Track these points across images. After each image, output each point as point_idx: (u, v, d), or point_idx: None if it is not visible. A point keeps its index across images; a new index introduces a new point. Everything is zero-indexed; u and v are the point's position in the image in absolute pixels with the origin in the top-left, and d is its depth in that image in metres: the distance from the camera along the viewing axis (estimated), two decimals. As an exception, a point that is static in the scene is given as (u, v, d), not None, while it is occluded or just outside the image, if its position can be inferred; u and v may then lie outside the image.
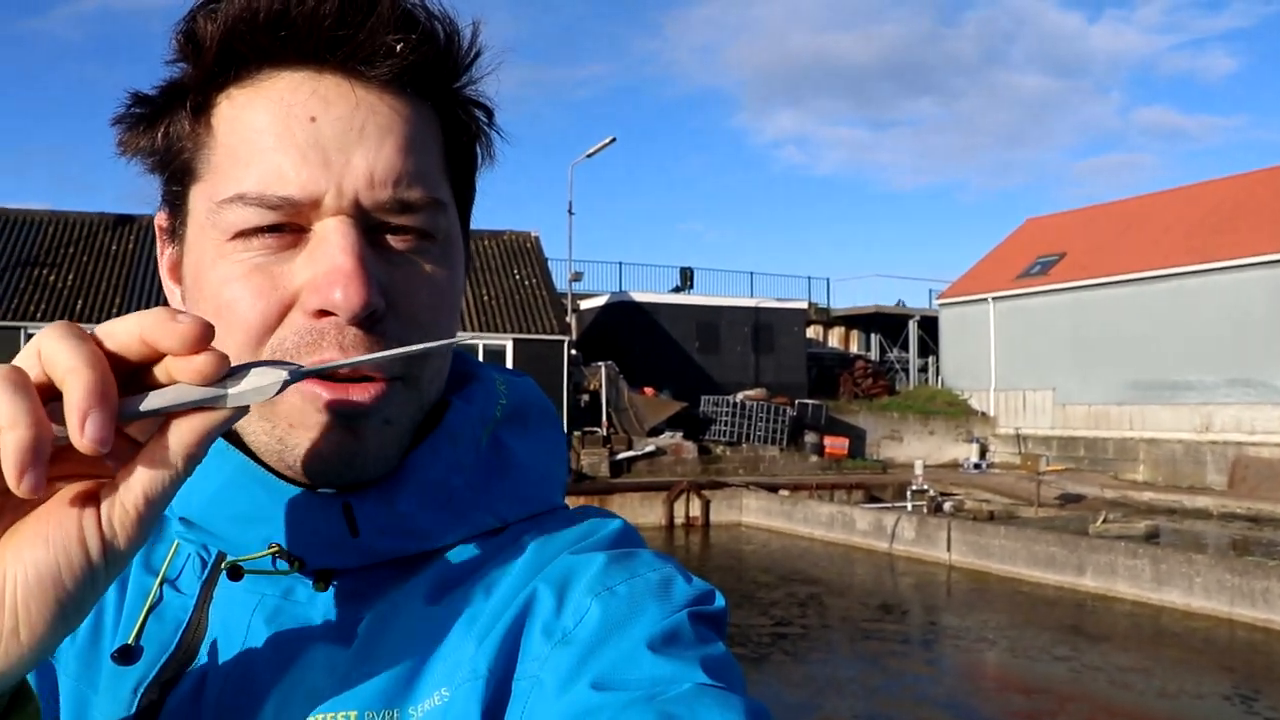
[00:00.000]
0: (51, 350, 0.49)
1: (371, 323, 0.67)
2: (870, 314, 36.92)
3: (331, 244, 0.66)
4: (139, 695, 0.69)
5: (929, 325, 35.98)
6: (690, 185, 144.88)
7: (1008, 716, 9.02)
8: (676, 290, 33.00)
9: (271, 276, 0.67)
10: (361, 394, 0.68)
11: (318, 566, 0.72)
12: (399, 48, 0.68)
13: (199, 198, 0.70)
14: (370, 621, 0.71)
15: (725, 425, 25.73)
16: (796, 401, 27.76)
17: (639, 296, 30.25)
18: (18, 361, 0.50)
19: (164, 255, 0.77)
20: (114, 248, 25.69)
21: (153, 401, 0.51)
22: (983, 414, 30.85)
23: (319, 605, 0.72)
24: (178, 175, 0.72)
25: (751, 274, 35.67)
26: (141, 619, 0.74)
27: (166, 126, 0.71)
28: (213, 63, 0.68)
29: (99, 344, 0.51)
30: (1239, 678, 10.02)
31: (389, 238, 0.69)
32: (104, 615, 0.76)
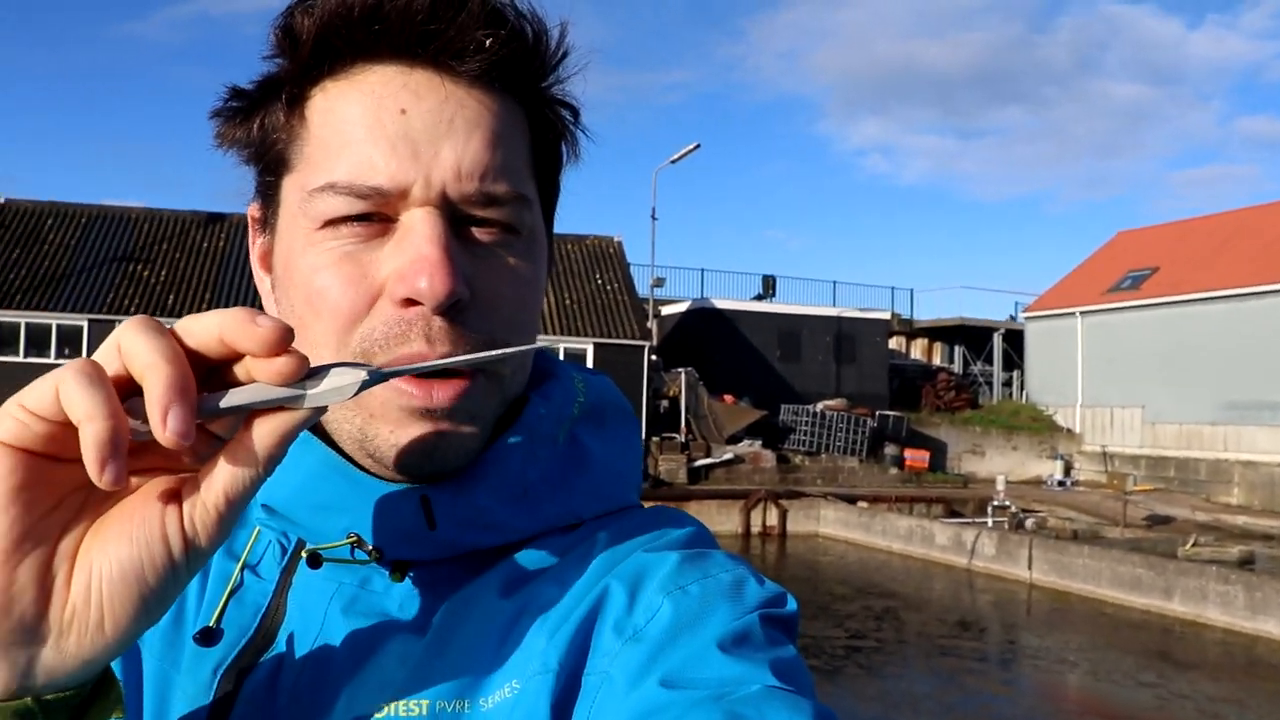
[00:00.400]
0: (131, 344, 0.50)
1: (455, 312, 0.68)
2: (954, 326, 36.45)
3: (418, 234, 0.67)
4: (218, 676, 0.71)
5: (1014, 339, 35.42)
6: (773, 192, 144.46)
7: (1089, 741, 8.83)
8: (758, 298, 32.97)
9: (360, 264, 0.69)
10: (445, 391, 0.69)
11: (395, 558, 0.73)
12: (488, 43, 0.69)
13: (291, 188, 0.72)
14: (444, 613, 0.72)
15: (805, 435, 25.60)
16: (877, 413, 27.57)
17: (720, 303, 30.29)
18: (97, 356, 0.51)
19: (255, 245, 0.79)
20: (205, 244, 26.49)
21: (233, 399, 0.52)
22: (1068, 430, 30.27)
23: (395, 596, 0.74)
24: (271, 166, 0.74)
25: (834, 283, 35.49)
26: (223, 603, 0.76)
27: (262, 118, 0.73)
28: (308, 56, 0.70)
29: (178, 340, 0.52)
30: (1337, 712, 9.69)
31: (474, 230, 0.70)
32: (186, 598, 0.78)
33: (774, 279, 33.86)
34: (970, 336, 36.76)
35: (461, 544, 0.73)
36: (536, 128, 0.76)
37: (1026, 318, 33.76)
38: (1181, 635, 12.57)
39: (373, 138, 0.68)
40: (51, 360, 23.44)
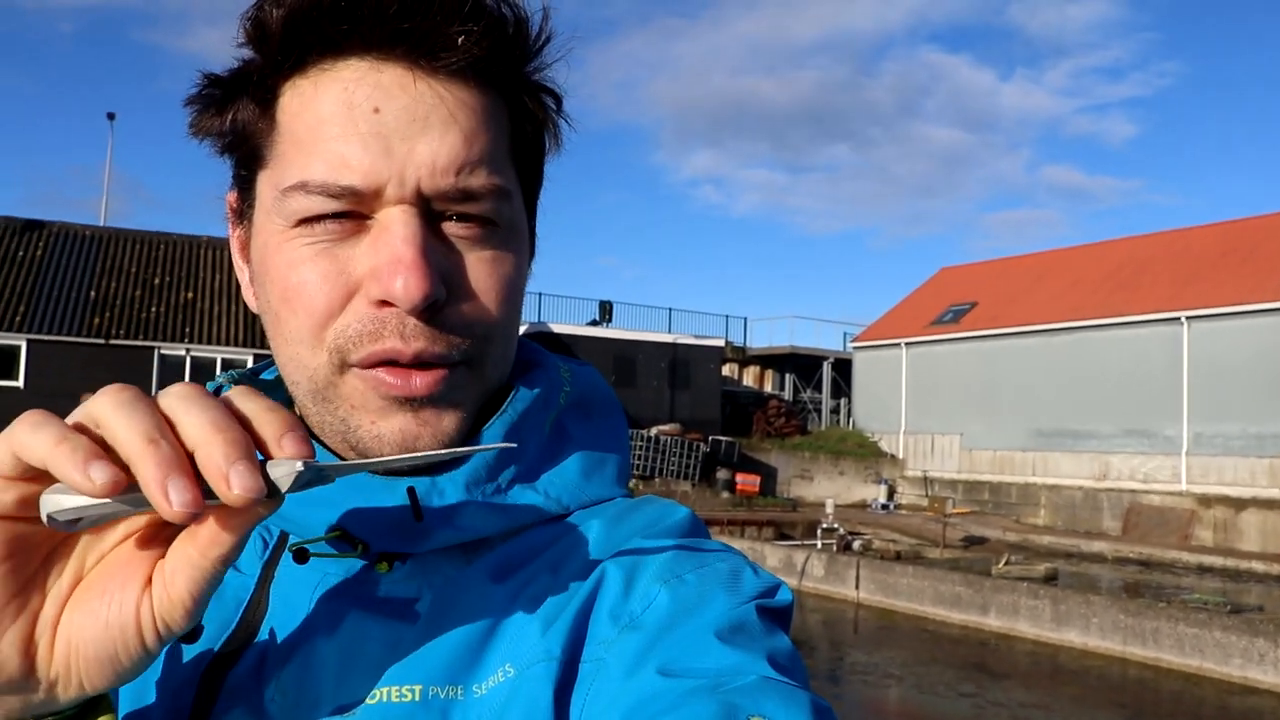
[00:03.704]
0: (110, 420, 0.50)
1: (432, 312, 0.67)
2: (785, 354, 37.40)
3: (393, 233, 0.66)
4: (200, 673, 0.70)
5: (842, 368, 36.60)
6: (608, 220, 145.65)
7: (913, 749, 9.20)
8: (595, 323, 33.10)
9: (337, 260, 0.67)
10: (424, 379, 0.68)
11: (382, 550, 0.71)
12: (461, 41, 0.67)
13: (265, 183, 0.71)
14: (433, 599, 0.71)
15: (639, 459, 25.81)
16: (710, 438, 27.99)
17: (558, 328, 30.30)
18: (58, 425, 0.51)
19: (234, 234, 0.78)
20: (21, 254, 24.94)
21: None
22: (891, 456, 31.43)
23: (381, 584, 0.72)
24: (245, 160, 0.73)
25: (670, 310, 35.93)
26: None
27: (235, 112, 0.71)
28: (278, 50, 0.68)
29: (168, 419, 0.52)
30: (1130, 713, 10.39)
31: (452, 225, 0.69)
32: None
33: (611, 305, 34.04)
34: (801, 365, 37.80)
35: (449, 535, 0.72)
36: (517, 116, 0.74)
37: (854, 347, 34.94)
38: (996, 647, 13.20)
39: (345, 136, 0.66)
40: None
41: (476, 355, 0.71)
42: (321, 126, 0.67)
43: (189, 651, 0.72)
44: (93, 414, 0.51)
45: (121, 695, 0.71)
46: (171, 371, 24.67)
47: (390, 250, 0.65)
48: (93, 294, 24.88)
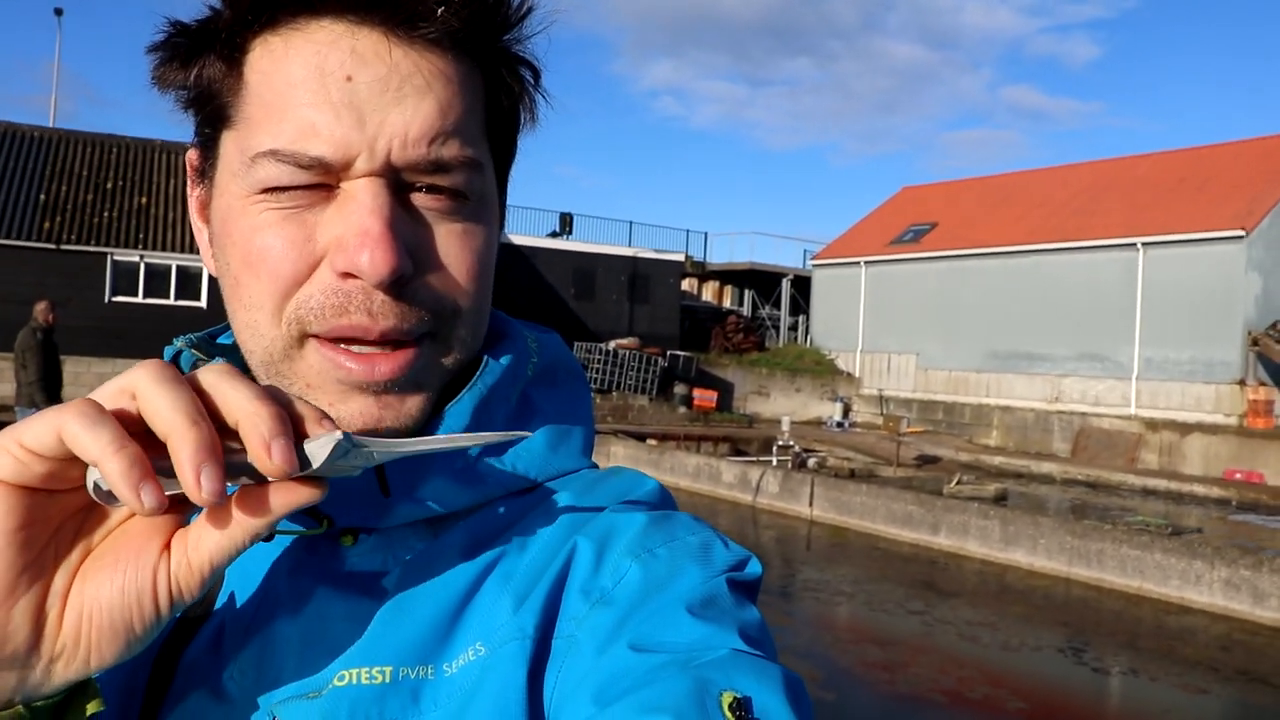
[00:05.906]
0: (151, 400, 0.51)
1: (399, 287, 0.65)
2: (745, 270, 37.46)
3: (361, 204, 0.64)
4: (157, 647, 0.69)
5: (802, 285, 36.74)
6: (566, 128, 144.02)
7: (863, 666, 9.42)
8: (555, 235, 32.89)
9: (304, 226, 0.66)
10: (388, 364, 0.67)
11: (347, 525, 0.70)
12: (440, 12, 0.65)
13: (230, 144, 0.69)
14: (399, 576, 0.70)
15: (597, 372, 25.92)
16: (668, 352, 28.16)
17: (518, 239, 30.11)
18: (104, 398, 0.52)
19: (194, 194, 0.76)
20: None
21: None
22: (848, 374, 31.78)
23: (345, 559, 0.71)
24: (210, 119, 0.70)
25: (630, 223, 35.80)
26: None
27: (201, 68, 0.69)
28: (249, 7, 0.66)
29: (199, 392, 0.53)
30: (1072, 631, 10.69)
31: (421, 197, 0.67)
32: None
33: (571, 217, 33.80)
34: (760, 281, 37.90)
35: (416, 510, 0.71)
36: (493, 88, 0.72)
37: (814, 265, 35.09)
38: (945, 566, 13.45)
39: (316, 104, 0.64)
40: None
41: (444, 331, 0.70)
42: (292, 91, 0.65)
43: None
44: (132, 388, 0.52)
45: None
46: (125, 278, 24.24)
47: (357, 222, 0.64)
48: (42, 197, 24.22)
